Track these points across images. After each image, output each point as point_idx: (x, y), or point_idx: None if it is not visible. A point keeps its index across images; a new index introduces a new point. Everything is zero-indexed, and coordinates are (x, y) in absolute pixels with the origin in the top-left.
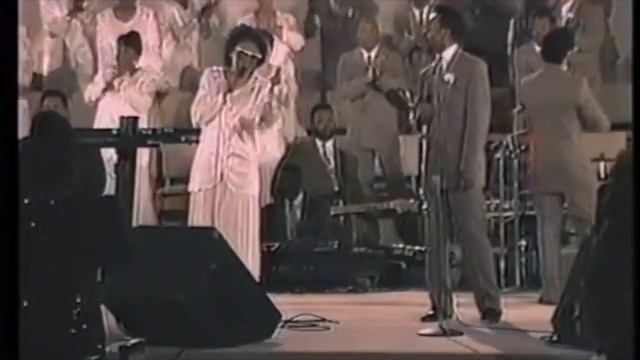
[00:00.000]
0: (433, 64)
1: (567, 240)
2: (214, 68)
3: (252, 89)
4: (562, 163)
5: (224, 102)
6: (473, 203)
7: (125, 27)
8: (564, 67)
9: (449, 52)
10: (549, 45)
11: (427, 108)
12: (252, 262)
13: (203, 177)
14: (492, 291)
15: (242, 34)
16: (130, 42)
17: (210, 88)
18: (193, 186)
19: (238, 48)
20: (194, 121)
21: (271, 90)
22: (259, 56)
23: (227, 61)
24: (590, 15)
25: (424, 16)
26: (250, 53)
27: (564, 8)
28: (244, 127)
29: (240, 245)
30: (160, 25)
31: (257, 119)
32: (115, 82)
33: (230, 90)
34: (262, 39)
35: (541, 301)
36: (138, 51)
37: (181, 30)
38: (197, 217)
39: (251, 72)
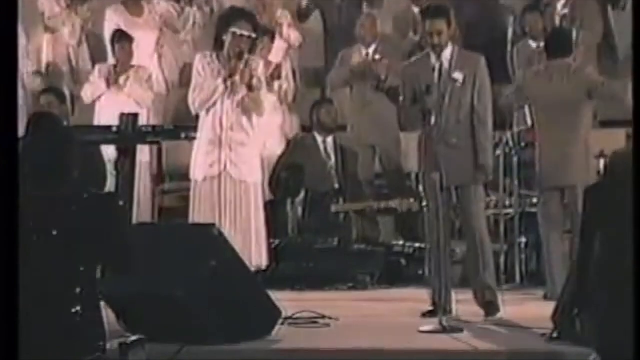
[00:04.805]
0: (416, 59)
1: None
2: (206, 53)
3: (247, 73)
4: (569, 157)
5: (225, 87)
6: (480, 197)
7: (140, 23)
8: (570, 62)
9: (447, 51)
10: (552, 44)
11: (429, 104)
12: (257, 252)
13: (206, 166)
14: (493, 285)
15: (235, 14)
16: (126, 36)
17: (206, 74)
18: (196, 176)
19: (233, 29)
20: (192, 109)
21: (272, 78)
22: (254, 36)
23: (218, 45)
24: (586, 11)
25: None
26: (246, 34)
27: (559, 5)
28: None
29: (245, 235)
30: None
31: (247, 100)
32: (121, 79)
33: (230, 75)
34: (255, 19)
35: (546, 297)
36: (131, 46)
37: (178, 23)
38: (201, 208)
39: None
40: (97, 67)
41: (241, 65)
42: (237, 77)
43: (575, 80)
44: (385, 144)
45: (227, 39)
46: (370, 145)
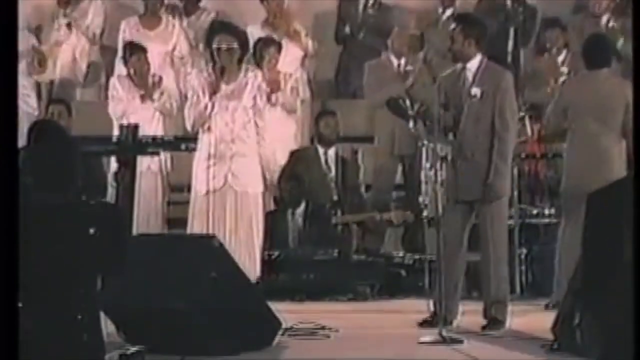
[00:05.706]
0: (451, 71)
1: None
2: (203, 67)
3: (246, 84)
4: (600, 165)
5: (212, 104)
6: (499, 213)
7: (152, 36)
8: (606, 71)
9: (474, 63)
10: (591, 52)
11: (448, 118)
12: (252, 263)
13: (208, 179)
14: (502, 300)
15: (215, 28)
16: (139, 47)
17: (200, 90)
18: (197, 189)
19: (214, 45)
20: (188, 125)
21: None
22: (235, 46)
23: (213, 59)
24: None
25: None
26: (225, 46)
27: (604, 17)
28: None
29: (244, 247)
30: (187, 34)
31: (250, 114)
32: (155, 94)
33: (214, 92)
34: (236, 29)
35: (546, 308)
36: (147, 56)
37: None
38: (201, 220)
39: (239, 65)
40: (111, 80)
41: (225, 79)
42: (224, 91)
43: (617, 89)
44: (412, 155)
45: (214, 54)
46: (398, 155)
